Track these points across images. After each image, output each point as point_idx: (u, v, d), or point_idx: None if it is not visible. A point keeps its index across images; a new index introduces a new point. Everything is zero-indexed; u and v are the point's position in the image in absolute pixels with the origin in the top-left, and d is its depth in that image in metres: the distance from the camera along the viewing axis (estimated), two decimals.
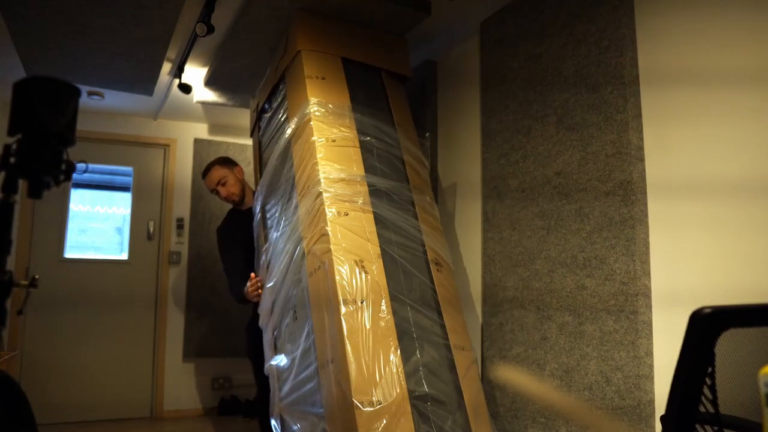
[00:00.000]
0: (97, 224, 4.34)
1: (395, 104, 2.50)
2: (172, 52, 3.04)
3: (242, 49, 2.83)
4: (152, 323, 4.22)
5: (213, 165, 2.96)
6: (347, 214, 2.04)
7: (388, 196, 2.20)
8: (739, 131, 1.55)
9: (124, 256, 4.24)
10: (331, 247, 1.94)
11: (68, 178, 0.98)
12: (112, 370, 4.07)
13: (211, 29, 2.44)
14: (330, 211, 2.02)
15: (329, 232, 1.97)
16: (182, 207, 4.36)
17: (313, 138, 2.17)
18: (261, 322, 2.43)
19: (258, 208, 2.62)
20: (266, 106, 2.72)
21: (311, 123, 2.20)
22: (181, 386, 4.20)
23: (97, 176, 4.33)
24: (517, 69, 2.36)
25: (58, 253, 4.02)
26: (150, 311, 4.23)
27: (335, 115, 2.26)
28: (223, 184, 2.91)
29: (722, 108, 1.60)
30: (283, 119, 2.45)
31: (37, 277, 1.03)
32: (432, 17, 2.60)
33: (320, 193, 2.06)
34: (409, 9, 2.49)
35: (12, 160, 0.92)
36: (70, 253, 4.10)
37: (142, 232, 4.28)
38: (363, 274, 1.93)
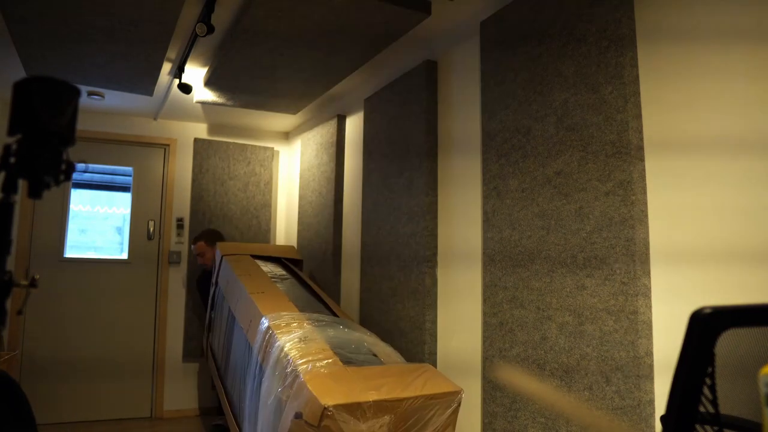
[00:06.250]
0: (97, 224, 4.34)
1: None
2: (172, 52, 3.04)
3: (242, 49, 2.83)
4: (152, 323, 4.22)
5: (202, 238, 4.00)
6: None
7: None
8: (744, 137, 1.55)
9: (124, 255, 4.24)
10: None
11: (68, 178, 0.98)
12: (112, 370, 4.07)
13: (211, 29, 2.44)
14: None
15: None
16: (182, 207, 4.36)
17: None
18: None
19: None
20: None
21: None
22: (181, 386, 4.20)
23: (97, 176, 4.33)
24: (517, 69, 2.36)
25: (58, 253, 4.02)
26: (150, 311, 4.23)
27: None
28: (201, 255, 3.99)
29: (721, 108, 1.60)
30: None
31: (37, 277, 1.03)
32: (432, 17, 2.60)
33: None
34: (409, 9, 2.50)
35: (12, 160, 0.92)
36: (70, 253, 4.10)
37: (142, 232, 4.28)
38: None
